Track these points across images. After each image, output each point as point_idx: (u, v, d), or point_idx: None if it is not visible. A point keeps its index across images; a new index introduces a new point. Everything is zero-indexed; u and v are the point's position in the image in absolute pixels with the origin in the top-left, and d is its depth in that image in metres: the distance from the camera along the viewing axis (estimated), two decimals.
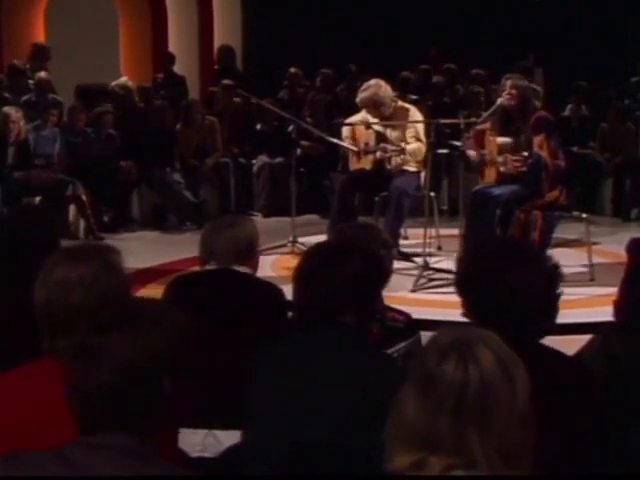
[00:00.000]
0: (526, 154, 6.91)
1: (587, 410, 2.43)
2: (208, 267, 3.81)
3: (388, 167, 7.69)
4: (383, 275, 2.87)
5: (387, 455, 1.77)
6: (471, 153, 7.27)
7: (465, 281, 2.61)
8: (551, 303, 2.57)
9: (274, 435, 2.46)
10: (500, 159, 7.04)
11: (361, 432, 1.89)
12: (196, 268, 4.00)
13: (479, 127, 7.29)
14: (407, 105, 7.99)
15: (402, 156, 7.64)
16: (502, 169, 7.03)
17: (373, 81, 7.84)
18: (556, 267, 2.60)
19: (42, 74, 10.30)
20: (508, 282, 2.48)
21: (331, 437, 2.38)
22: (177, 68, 11.80)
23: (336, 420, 2.39)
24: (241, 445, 2.68)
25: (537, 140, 6.91)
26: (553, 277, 2.57)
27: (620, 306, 2.97)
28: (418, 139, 7.72)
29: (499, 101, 7.30)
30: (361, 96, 7.79)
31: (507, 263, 2.52)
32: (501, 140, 7.09)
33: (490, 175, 7.16)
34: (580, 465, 2.36)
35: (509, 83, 7.11)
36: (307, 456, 2.42)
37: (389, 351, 3.25)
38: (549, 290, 2.55)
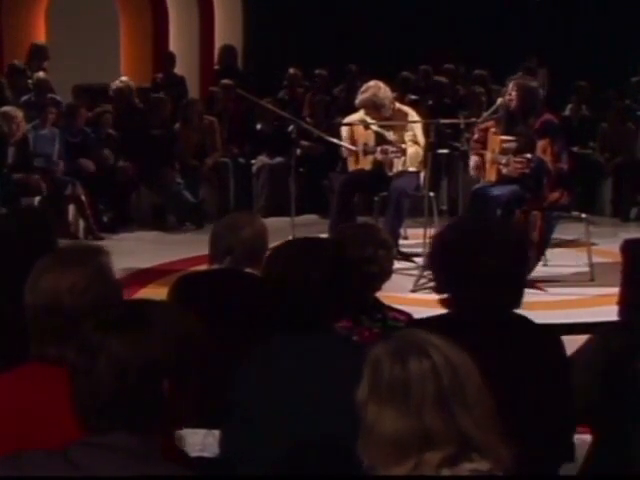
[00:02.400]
0: (529, 156, 6.80)
1: (557, 372, 2.62)
2: (216, 266, 3.78)
3: (389, 174, 7.67)
4: (353, 277, 2.81)
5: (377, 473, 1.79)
6: (472, 162, 7.22)
7: (437, 261, 2.90)
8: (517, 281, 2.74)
9: (273, 436, 2.46)
10: (503, 160, 6.96)
11: (358, 431, 1.89)
12: (197, 267, 3.98)
13: (482, 126, 7.26)
14: (405, 108, 7.97)
15: (402, 157, 7.63)
16: (504, 171, 6.95)
17: (372, 82, 7.83)
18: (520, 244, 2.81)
19: (41, 74, 10.29)
20: (476, 264, 2.68)
21: (330, 437, 2.37)
22: (177, 68, 11.79)
23: (334, 420, 2.38)
24: (234, 446, 2.65)
25: (541, 144, 6.83)
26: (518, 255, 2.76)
27: (621, 306, 3.00)
28: (415, 142, 7.70)
29: (499, 101, 7.29)
30: (360, 97, 7.78)
31: (474, 246, 2.72)
32: (505, 139, 7.04)
33: (491, 174, 7.12)
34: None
35: (511, 84, 7.09)
36: (307, 456, 2.42)
37: None
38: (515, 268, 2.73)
